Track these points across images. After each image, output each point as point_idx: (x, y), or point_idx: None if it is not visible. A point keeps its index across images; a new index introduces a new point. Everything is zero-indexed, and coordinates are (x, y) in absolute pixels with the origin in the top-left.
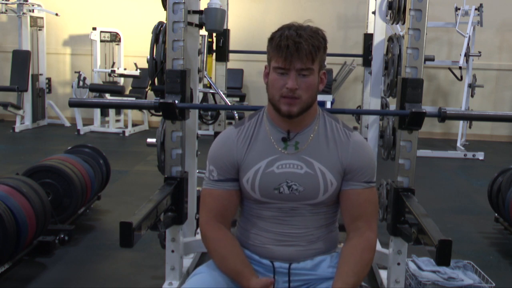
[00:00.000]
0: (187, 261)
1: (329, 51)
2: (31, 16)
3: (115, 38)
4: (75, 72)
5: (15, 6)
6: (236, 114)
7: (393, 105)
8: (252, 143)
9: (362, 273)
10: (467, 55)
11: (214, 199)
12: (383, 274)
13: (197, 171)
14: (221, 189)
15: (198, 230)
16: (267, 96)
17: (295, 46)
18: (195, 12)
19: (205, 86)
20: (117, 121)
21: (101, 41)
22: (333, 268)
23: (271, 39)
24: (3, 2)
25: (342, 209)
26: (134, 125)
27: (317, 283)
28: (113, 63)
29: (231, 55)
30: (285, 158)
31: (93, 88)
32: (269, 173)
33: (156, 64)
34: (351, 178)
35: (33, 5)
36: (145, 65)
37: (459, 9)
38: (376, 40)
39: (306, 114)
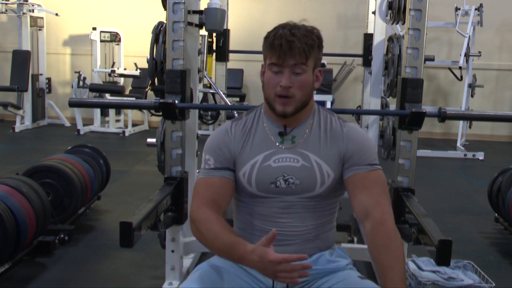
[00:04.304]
0: (187, 261)
1: (329, 51)
2: (31, 16)
3: (115, 38)
4: (75, 72)
5: (15, 6)
6: (236, 114)
7: (393, 105)
8: (249, 137)
9: (398, 263)
10: (467, 55)
11: (207, 187)
12: None
13: (197, 171)
14: (217, 176)
15: None
16: (263, 95)
17: (288, 44)
18: (195, 12)
19: (205, 86)
20: (117, 121)
21: (101, 41)
22: (332, 263)
23: (266, 38)
24: (3, 2)
25: (351, 198)
26: (134, 125)
27: (316, 279)
28: (113, 63)
29: (231, 55)
30: (282, 152)
31: (93, 88)
32: (266, 167)
33: (156, 64)
34: (353, 164)
35: (33, 5)
36: (145, 65)
37: (459, 9)
38: (376, 40)
39: (302, 111)
